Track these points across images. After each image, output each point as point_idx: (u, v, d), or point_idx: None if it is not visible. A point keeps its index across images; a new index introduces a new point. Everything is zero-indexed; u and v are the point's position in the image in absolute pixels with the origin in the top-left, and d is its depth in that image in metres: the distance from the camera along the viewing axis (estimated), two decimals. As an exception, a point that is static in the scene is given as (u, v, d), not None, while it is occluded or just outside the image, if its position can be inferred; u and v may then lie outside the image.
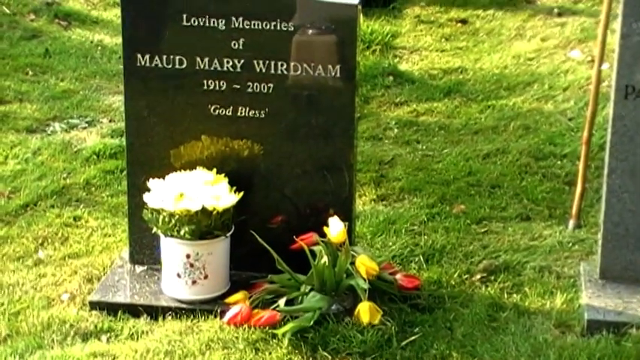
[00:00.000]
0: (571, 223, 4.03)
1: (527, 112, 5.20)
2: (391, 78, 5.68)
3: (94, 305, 3.51)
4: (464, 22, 6.66)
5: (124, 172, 4.54)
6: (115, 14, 7.03)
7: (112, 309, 3.49)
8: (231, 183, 3.53)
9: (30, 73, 5.77)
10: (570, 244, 3.91)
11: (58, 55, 6.09)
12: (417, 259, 3.81)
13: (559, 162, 4.63)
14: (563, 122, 5.07)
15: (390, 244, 3.93)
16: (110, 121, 5.22)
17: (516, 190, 4.37)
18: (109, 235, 4.06)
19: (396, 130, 5.07)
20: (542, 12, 6.70)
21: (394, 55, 6.11)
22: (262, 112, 3.54)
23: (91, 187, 4.49)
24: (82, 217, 4.21)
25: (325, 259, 3.40)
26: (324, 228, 3.44)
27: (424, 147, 4.87)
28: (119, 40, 6.39)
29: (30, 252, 3.92)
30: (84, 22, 6.76)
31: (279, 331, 3.28)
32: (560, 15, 6.61)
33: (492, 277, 3.69)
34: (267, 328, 3.31)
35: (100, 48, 6.29)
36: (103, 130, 5.07)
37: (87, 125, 5.16)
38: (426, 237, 3.97)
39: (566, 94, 5.41)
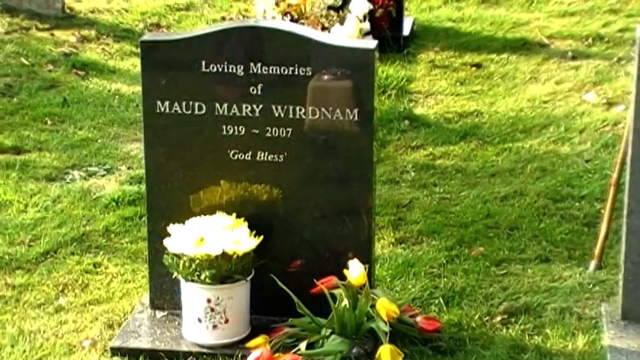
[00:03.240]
0: (592, 264, 4.02)
1: (543, 155, 5.22)
2: (407, 122, 5.71)
3: (116, 351, 3.52)
4: (478, 66, 6.69)
5: (143, 219, 4.58)
6: (131, 63, 7.11)
7: (133, 355, 3.50)
8: (250, 227, 3.55)
9: (49, 122, 5.83)
10: (591, 286, 3.90)
11: (76, 104, 6.14)
12: (436, 301, 3.80)
13: (577, 203, 4.63)
14: (580, 164, 5.07)
15: (410, 286, 3.93)
16: (128, 168, 5.26)
17: (535, 232, 4.37)
18: (129, 281, 4.07)
19: (412, 174, 5.08)
20: (556, 55, 6.73)
21: (409, 99, 6.14)
22: (281, 156, 3.57)
23: (111, 233, 4.51)
24: (102, 264, 4.23)
25: (346, 302, 3.41)
26: (345, 271, 3.44)
27: (441, 190, 4.88)
28: (136, 88, 6.53)
29: (51, 299, 3.94)
30: (101, 72, 6.82)
31: (301, 375, 3.28)
32: (574, 58, 6.64)
33: (513, 319, 3.68)
34: (289, 372, 3.31)
35: (117, 97, 6.35)
36: (122, 178, 5.11)
37: (105, 173, 5.20)
38: (445, 279, 3.96)
39: (582, 137, 5.42)
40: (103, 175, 5.16)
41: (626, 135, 3.92)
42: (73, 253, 4.31)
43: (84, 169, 5.23)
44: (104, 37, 7.35)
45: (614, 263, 4.02)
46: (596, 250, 4.04)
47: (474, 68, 6.66)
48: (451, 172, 5.10)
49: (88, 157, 5.37)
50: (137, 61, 7.13)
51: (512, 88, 6.30)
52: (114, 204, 4.77)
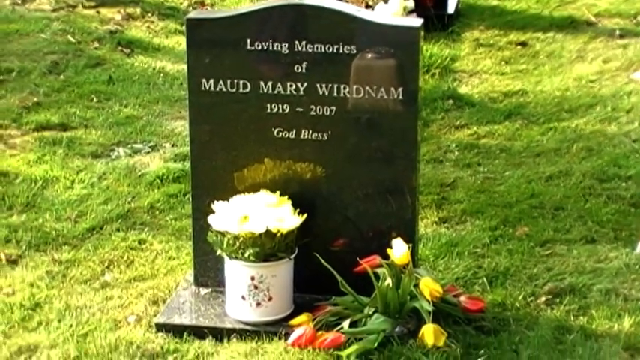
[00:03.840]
0: (639, 245, 3.98)
1: (589, 134, 5.16)
2: (451, 101, 5.69)
3: (160, 327, 3.55)
4: (523, 44, 6.64)
5: (187, 196, 4.62)
6: (176, 41, 7.14)
7: (177, 331, 3.52)
8: (294, 205, 3.56)
9: (94, 99, 5.87)
10: (637, 266, 3.86)
11: (122, 82, 6.18)
12: (480, 281, 3.79)
13: (624, 184, 4.58)
14: (627, 144, 5.02)
15: (453, 266, 3.91)
16: (173, 145, 5.29)
17: (580, 212, 4.34)
18: (173, 258, 4.10)
19: (456, 153, 5.06)
20: (603, 34, 6.66)
21: (454, 78, 6.11)
22: (325, 134, 3.56)
23: (155, 210, 4.54)
24: (147, 241, 4.26)
25: (389, 280, 3.40)
26: (388, 250, 3.44)
27: (485, 170, 4.86)
28: (181, 66, 6.55)
29: (97, 275, 3.98)
30: (146, 50, 6.86)
31: (344, 353, 3.29)
32: (621, 37, 6.56)
33: (557, 300, 3.66)
34: (332, 349, 3.32)
35: (162, 75, 6.38)
36: (166, 155, 5.14)
37: (150, 150, 5.23)
38: (489, 259, 3.95)
39: (629, 116, 5.36)
40: (148, 153, 5.20)
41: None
42: (118, 230, 4.35)
43: (129, 146, 5.27)
44: (149, 14, 7.38)
45: (661, 244, 3.98)
46: (643, 231, 4.01)
47: (519, 47, 6.61)
48: (495, 151, 5.07)
49: (133, 135, 5.40)
50: (181, 39, 7.17)
51: (558, 67, 6.24)
52: (158, 181, 4.80)
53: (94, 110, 5.71)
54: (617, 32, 6.61)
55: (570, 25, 6.83)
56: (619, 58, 6.21)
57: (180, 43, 7.11)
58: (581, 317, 3.54)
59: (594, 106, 5.53)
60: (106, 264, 4.06)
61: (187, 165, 4.91)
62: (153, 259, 4.10)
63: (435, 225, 4.31)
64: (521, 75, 6.15)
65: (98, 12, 7.26)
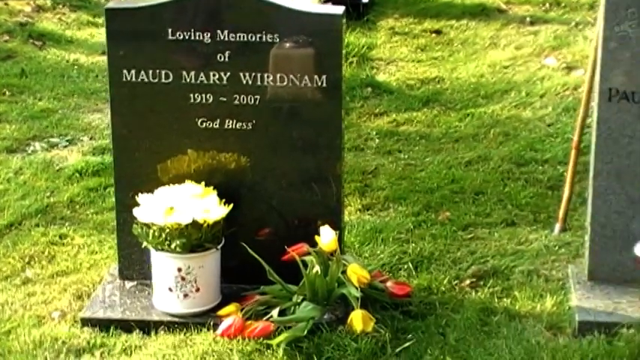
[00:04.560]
0: (557, 226, 4.07)
1: (506, 120, 5.25)
2: (369, 89, 5.72)
3: (86, 322, 3.50)
4: (438, 32, 6.71)
5: (108, 189, 4.57)
6: (89, 33, 7.03)
7: (103, 325, 3.48)
8: (219, 196, 3.54)
9: (7, 93, 5.75)
10: (557, 248, 3.95)
11: (35, 75, 6.07)
12: (405, 266, 3.83)
13: (541, 167, 4.67)
14: (542, 128, 5.12)
15: (379, 252, 3.95)
16: (91, 138, 5.21)
17: (500, 196, 4.41)
18: (96, 252, 4.05)
19: (377, 141, 5.09)
20: (514, 21, 6.77)
21: (371, 66, 6.14)
22: (249, 124, 3.55)
23: (75, 205, 4.47)
24: (68, 235, 4.19)
25: (317, 268, 3.41)
26: (316, 237, 3.45)
27: (406, 156, 4.90)
28: (95, 58, 6.46)
29: (17, 271, 3.90)
30: (58, 42, 6.74)
31: (274, 342, 3.29)
32: (532, 24, 6.68)
33: (481, 282, 3.72)
34: (261, 339, 3.32)
35: (76, 67, 6.28)
36: (84, 148, 5.06)
37: (67, 144, 5.15)
38: (413, 245, 3.99)
39: (543, 101, 5.46)
40: (65, 146, 5.11)
41: (585, 98, 3.96)
42: (37, 225, 4.27)
43: (45, 140, 5.18)
44: (60, 6, 7.26)
45: (579, 225, 4.07)
46: (560, 213, 4.08)
47: (434, 35, 6.68)
48: (415, 138, 5.12)
49: (49, 128, 5.31)
50: (95, 31, 7.06)
51: (473, 54, 6.32)
52: (77, 175, 4.73)
53: (7, 104, 5.59)
54: (528, 19, 6.73)
55: (482, 13, 6.93)
56: (531, 45, 6.32)
57: (93, 35, 7.01)
58: (505, 299, 3.60)
59: (509, 92, 5.62)
60: (27, 260, 3.99)
61: (107, 158, 4.86)
62: (75, 254, 4.04)
63: (358, 212, 4.34)
64: (437, 62, 6.21)
65: (6, 4, 7.10)
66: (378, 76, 5.98)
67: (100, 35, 7.02)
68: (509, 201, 4.36)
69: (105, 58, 6.41)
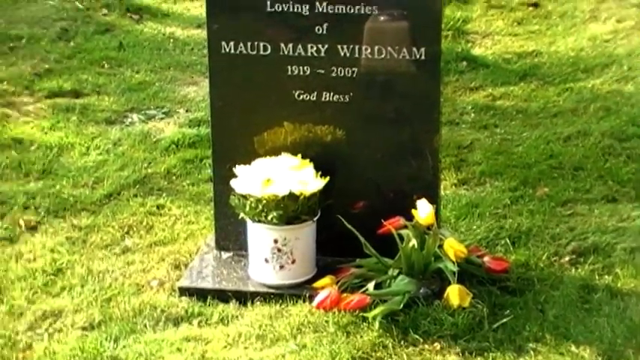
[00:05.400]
0: (660, 203, 3.98)
1: (606, 94, 5.13)
2: (465, 63, 5.65)
3: (184, 291, 3.54)
4: (535, 5, 6.58)
5: (204, 161, 4.61)
6: (184, 7, 7.09)
7: (200, 294, 3.52)
8: (315, 168, 3.54)
9: (106, 66, 5.83)
10: (660, 225, 3.86)
11: (132, 48, 6.14)
12: (503, 242, 3.78)
13: (643, 143, 4.57)
14: (645, 103, 5.00)
15: (475, 227, 3.90)
16: (187, 111, 5.26)
17: (600, 171, 4.31)
18: (193, 223, 4.09)
19: (472, 115, 5.03)
20: (615, -7, 6.61)
21: (466, 40, 6.06)
22: (346, 96, 3.54)
23: (172, 176, 4.53)
24: (165, 206, 4.24)
25: (413, 241, 3.39)
26: (413, 211, 3.43)
27: (502, 131, 4.83)
28: (191, 32, 6.52)
29: (117, 240, 3.97)
30: (155, 16, 6.81)
31: (370, 315, 3.28)
32: (634, -4, 6.51)
33: (581, 259, 3.65)
34: (357, 311, 3.31)
35: (172, 40, 6.34)
36: (180, 120, 5.11)
37: (164, 116, 5.21)
38: (510, 220, 3.93)
39: (646, 75, 5.33)
40: (162, 118, 5.17)
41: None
42: (135, 195, 4.34)
43: (142, 112, 5.24)
44: (156, -20, 7.33)
45: (683, 203, 3.97)
46: (664, 190, 3.99)
47: (531, 8, 6.56)
48: (512, 112, 5.04)
49: (146, 101, 5.37)
50: (190, 5, 7.12)
51: (572, 27, 6.19)
52: (174, 147, 4.78)
53: (105, 76, 5.67)
54: (630, -9, 6.56)
55: (582, -15, 6.78)
56: (633, 18, 6.16)
57: (188, 8, 7.06)
58: (606, 276, 3.53)
59: (610, 66, 5.49)
60: (126, 229, 4.05)
61: (202, 130, 4.91)
62: (172, 224, 4.09)
63: (454, 187, 4.29)
64: (534, 36, 6.10)
65: (105, -22, 7.20)
66: (473, 50, 5.90)
67: (195, 9, 7.09)
68: (609, 177, 4.26)
69: (200, 31, 6.54)
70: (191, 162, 4.64)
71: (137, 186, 4.41)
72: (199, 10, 7.05)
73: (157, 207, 4.24)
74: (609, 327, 3.20)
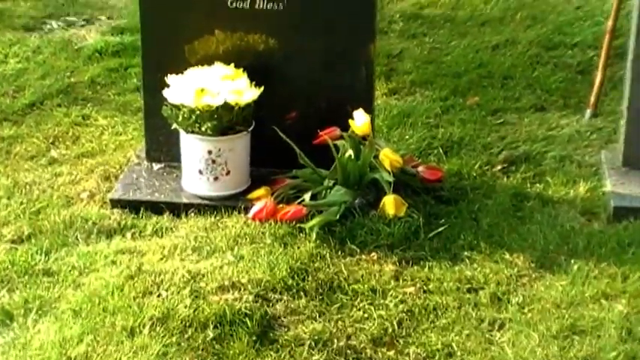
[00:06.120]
0: (588, 112, 4.02)
1: (533, 2, 5.15)
2: (392, -30, 5.58)
3: (115, 203, 3.48)
4: None
5: (129, 70, 4.50)
6: None
7: (133, 206, 3.46)
8: (248, 78, 3.47)
9: (20, -31, 5.61)
10: (588, 133, 3.90)
11: (47, -49, 5.91)
12: (435, 151, 3.79)
13: (570, 51, 4.59)
14: (571, 11, 5.02)
15: (407, 137, 3.90)
16: (109, 18, 5.12)
17: (529, 80, 4.34)
18: (121, 134, 4.00)
19: (401, 24, 5.00)
20: None
21: (391, -54, 5.98)
22: (280, 4, 3.46)
23: (97, 85, 4.42)
24: (91, 116, 4.15)
25: (350, 152, 3.37)
26: (350, 121, 3.40)
27: (431, 40, 4.82)
28: None
29: (42, 151, 3.87)
30: None
31: (307, 225, 3.27)
32: None
33: (513, 168, 3.69)
34: (294, 222, 3.30)
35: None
36: (102, 28, 4.97)
37: (85, 23, 5.06)
38: (442, 129, 3.94)
39: (571, -17, 5.34)
40: (83, 26, 5.02)
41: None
42: (59, 105, 4.22)
43: (62, 18, 5.08)
44: None
45: (610, 110, 4.02)
46: (592, 98, 4.03)
47: None
48: (439, 21, 5.02)
49: (65, 7, 5.21)
50: None
51: None
52: (97, 55, 4.66)
53: (20, -19, 5.47)
54: None
55: None
56: None
57: None
58: (538, 184, 3.58)
59: (535, -26, 5.49)
60: (51, 140, 3.95)
61: (126, 38, 4.78)
62: (99, 135, 4.00)
63: (385, 96, 4.28)
64: (460, -57, 6.05)
65: None
66: (399, -43, 5.83)
67: None
68: (538, 86, 4.29)
69: None
70: (116, 71, 4.53)
71: (60, 95, 4.30)
72: None
73: (83, 117, 4.13)
74: (541, 234, 3.25)
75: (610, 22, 3.96)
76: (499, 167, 3.69)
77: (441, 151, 3.78)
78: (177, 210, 3.44)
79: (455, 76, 4.40)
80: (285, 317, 2.87)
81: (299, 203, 3.36)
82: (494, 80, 4.36)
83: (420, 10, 5.14)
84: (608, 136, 3.85)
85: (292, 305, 2.91)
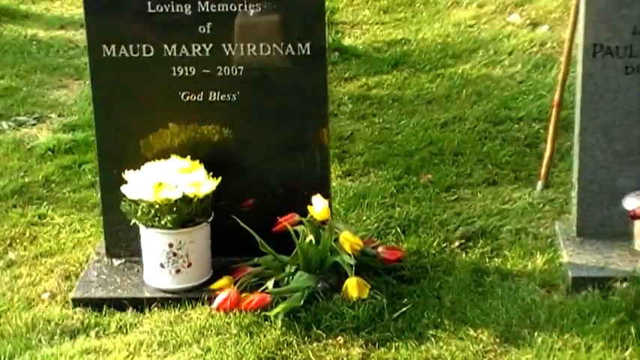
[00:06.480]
0: (539, 184, 4.10)
1: (476, 79, 5.26)
2: (337, 54, 5.69)
3: (77, 302, 3.46)
4: (399, -7, 6.69)
5: (83, 167, 4.51)
6: (44, 7, 6.91)
7: (95, 304, 3.44)
8: (205, 169, 3.50)
9: (-33, 72, 5.63)
10: (541, 205, 3.97)
11: (-7, 51, 5.95)
12: (393, 231, 3.83)
13: (516, 125, 4.69)
14: (514, 86, 5.14)
15: (364, 218, 3.94)
16: (59, 115, 5.13)
17: (479, 155, 4.43)
18: (78, 231, 3.99)
19: (350, 105, 5.08)
20: (474, -21, 6.77)
21: (336, 30, 6.11)
22: (234, 95, 3.51)
23: (51, 183, 4.41)
24: (47, 215, 4.13)
25: (310, 237, 3.40)
26: (309, 207, 3.44)
27: (381, 120, 4.90)
28: (53, 33, 6.35)
29: (0, 253, 3.84)
30: (13, 17, 6.62)
31: (271, 313, 3.27)
32: (492, -19, 6.68)
33: (471, 243, 3.74)
34: (259, 310, 3.30)
35: (35, 42, 6.17)
36: (54, 126, 4.98)
37: (36, 122, 5.07)
38: (399, 209, 3.99)
39: (511, 58, 5.48)
40: (34, 125, 5.03)
41: (566, 55, 3.98)
42: (15, 206, 4.21)
43: (12, 118, 5.09)
44: (11, -20, 7.10)
45: (560, 182, 4.11)
46: (542, 170, 4.11)
47: (395, -4, 6.66)
48: (387, 101, 5.11)
49: (14, 107, 5.22)
50: (50, 5, 6.94)
51: (436, 13, 6.32)
52: (50, 153, 4.66)
53: (-32, 84, 5.48)
54: (488, -24, 6.73)
55: (441, -28, 6.92)
56: (493, 2, 6.32)
57: (48, 9, 6.89)
58: (496, 259, 3.63)
59: (477, 51, 5.63)
60: (8, 242, 3.93)
61: (78, 135, 4.80)
62: (57, 234, 3.98)
63: (339, 178, 4.33)
64: (401, 23, 6.20)
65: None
66: (343, 40, 5.95)
67: (55, 9, 6.92)
68: (488, 160, 4.38)
69: (64, 32, 6.37)
70: (69, 168, 4.53)
71: (15, 196, 4.28)
72: (60, 9, 6.89)
73: (39, 217, 4.12)
74: (504, 308, 3.29)
75: (556, 96, 4.07)
76: (457, 244, 3.74)
77: (398, 230, 3.83)
78: (141, 305, 3.43)
79: (407, 155, 4.47)
80: (256, 408, 2.86)
81: (262, 291, 3.37)
82: (445, 157, 4.43)
83: (367, 92, 5.23)
84: (560, 207, 3.93)
85: (263, 395, 2.90)
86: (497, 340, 3.15)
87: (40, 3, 6.94)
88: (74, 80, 5.58)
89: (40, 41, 6.18)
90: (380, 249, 3.58)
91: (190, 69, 3.48)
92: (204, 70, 3.48)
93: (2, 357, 3.18)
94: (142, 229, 3.45)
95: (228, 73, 3.48)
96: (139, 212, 3.42)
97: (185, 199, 3.38)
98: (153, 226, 3.41)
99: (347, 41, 5.95)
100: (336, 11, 6.40)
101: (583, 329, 3.13)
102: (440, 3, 6.45)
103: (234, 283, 3.42)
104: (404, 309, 3.31)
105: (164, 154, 3.54)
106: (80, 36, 6.25)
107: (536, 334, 3.14)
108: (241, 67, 3.48)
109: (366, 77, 5.40)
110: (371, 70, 5.48)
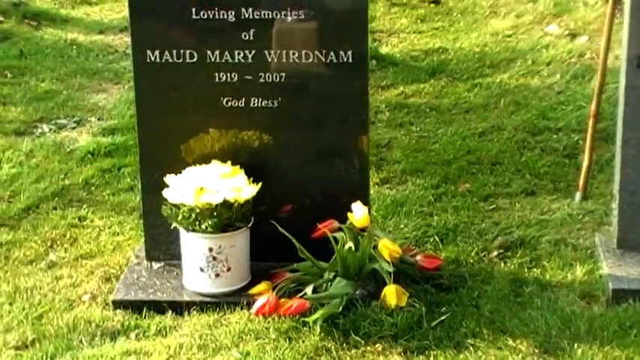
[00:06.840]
0: (578, 195, 4.09)
1: (515, 88, 5.26)
2: (374, 62, 5.70)
3: (117, 304, 3.49)
4: (436, 2, 6.70)
5: (122, 170, 4.55)
6: (83, 12, 6.98)
7: (135, 307, 3.47)
8: (246, 174, 3.52)
9: (9, 75, 5.69)
10: (580, 216, 3.96)
11: (34, 55, 6.01)
12: (431, 239, 3.83)
13: (555, 135, 4.69)
14: (553, 96, 5.13)
15: (402, 226, 3.95)
16: (99, 119, 5.17)
17: (517, 165, 4.42)
18: (118, 234, 4.03)
19: (387, 114, 5.09)
20: (512, -12, 6.77)
21: (373, 39, 6.12)
22: (275, 101, 3.54)
23: (91, 186, 4.45)
24: (87, 217, 4.17)
25: (350, 244, 3.41)
26: (348, 214, 3.45)
27: (418, 128, 4.90)
28: (93, 37, 6.41)
29: (41, 255, 3.88)
30: (54, 21, 6.69)
31: (310, 319, 3.29)
32: (530, -9, 6.68)
33: (509, 253, 3.73)
34: (297, 316, 3.31)
35: (74, 47, 6.23)
36: (94, 129, 5.03)
37: (76, 125, 5.11)
38: (437, 217, 4.00)
39: (550, 69, 5.47)
40: (74, 128, 5.07)
41: (601, 66, 3.97)
42: (55, 208, 4.25)
43: (53, 122, 5.14)
44: (53, -15, 7.18)
45: (599, 193, 4.09)
46: (581, 181, 4.10)
47: (432, 5, 6.66)
48: (425, 110, 5.12)
49: (55, 110, 5.27)
50: (89, 10, 7.01)
51: (473, 23, 6.32)
52: (90, 156, 4.70)
53: (10, 86, 5.54)
54: (526, -13, 6.73)
55: (479, -19, 6.92)
56: (531, 12, 6.32)
57: (88, 13, 6.96)
58: (535, 269, 3.62)
59: (515, 61, 5.63)
60: (49, 243, 3.97)
61: (117, 139, 4.84)
62: (97, 236, 4.02)
63: (377, 186, 4.34)
64: (439, 32, 6.21)
65: (-1, -16, 7.02)
66: (381, 49, 5.96)
67: (94, 14, 6.98)
68: (527, 170, 4.37)
69: (104, 37, 6.43)
70: (109, 171, 4.57)
71: (56, 198, 4.32)
72: (99, 14, 6.95)
73: (79, 219, 4.16)
74: (543, 319, 3.28)
75: (593, 107, 4.06)
76: (495, 253, 3.73)
77: (436, 238, 3.83)
78: (180, 308, 3.46)
79: (444, 164, 4.47)
80: (295, 413, 2.87)
81: (301, 297, 3.38)
82: (483, 166, 4.43)
83: (405, 100, 5.24)
84: (600, 219, 3.92)
85: (302, 401, 2.92)
86: (537, 351, 3.15)
87: (79, 8, 7.01)
88: (113, 84, 5.63)
89: (80, 45, 6.24)
90: (418, 257, 3.59)
91: (232, 75, 3.51)
92: (246, 77, 3.50)
93: (44, 357, 3.22)
94: (182, 232, 3.48)
95: (270, 79, 3.51)
96: (180, 216, 3.44)
97: (226, 204, 3.40)
98: (193, 230, 3.43)
99: (384, 49, 5.96)
100: (373, 19, 6.42)
101: (624, 342, 3.12)
102: (477, 13, 6.45)
103: (273, 289, 3.44)
104: (442, 317, 3.31)
105: (205, 159, 3.57)
106: (119, 41, 6.32)
107: (575, 345, 3.13)
108: (283, 74, 3.50)
109: (403, 85, 5.41)
110: (408, 78, 5.49)
